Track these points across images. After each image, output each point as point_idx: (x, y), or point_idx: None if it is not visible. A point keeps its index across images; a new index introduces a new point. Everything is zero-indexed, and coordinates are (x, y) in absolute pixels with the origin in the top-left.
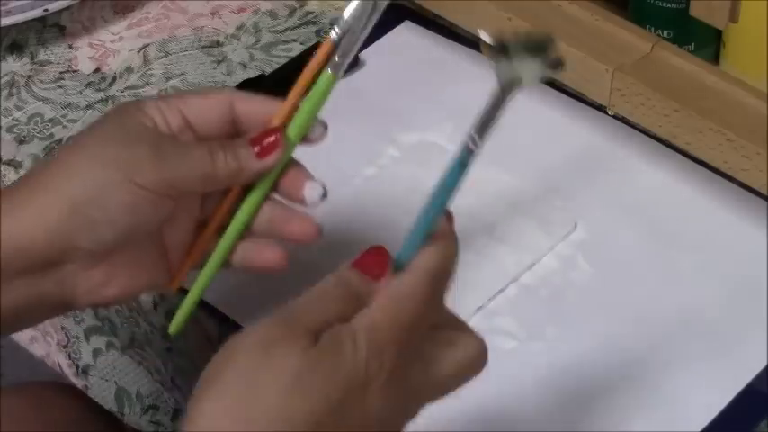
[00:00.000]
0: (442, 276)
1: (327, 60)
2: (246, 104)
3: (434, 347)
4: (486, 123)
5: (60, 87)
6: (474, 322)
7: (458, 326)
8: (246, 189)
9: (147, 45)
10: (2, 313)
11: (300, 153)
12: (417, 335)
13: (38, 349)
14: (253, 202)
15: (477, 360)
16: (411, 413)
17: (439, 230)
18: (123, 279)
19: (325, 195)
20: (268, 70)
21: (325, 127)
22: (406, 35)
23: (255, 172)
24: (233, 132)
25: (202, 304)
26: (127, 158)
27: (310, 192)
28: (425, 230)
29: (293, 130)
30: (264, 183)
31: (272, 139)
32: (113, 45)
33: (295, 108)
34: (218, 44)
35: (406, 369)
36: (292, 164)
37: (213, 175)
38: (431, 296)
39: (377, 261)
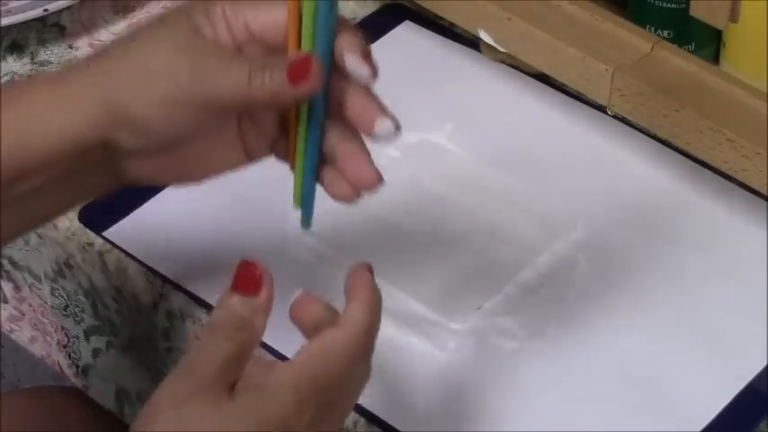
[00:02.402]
0: (373, 333)
1: None
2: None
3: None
4: None
5: None
6: (474, 322)
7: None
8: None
9: None
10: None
11: None
12: (339, 386)
13: (38, 349)
14: (303, 135)
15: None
16: None
17: (360, 282)
18: (182, 168)
19: (398, 130)
20: None
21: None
22: (406, 35)
23: (290, 98)
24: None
25: (202, 303)
26: (166, 71)
27: (381, 128)
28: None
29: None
30: (314, 114)
31: (303, 65)
32: None
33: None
34: None
35: (324, 413)
36: (364, 93)
37: (248, 99)
38: (363, 354)
39: (250, 277)
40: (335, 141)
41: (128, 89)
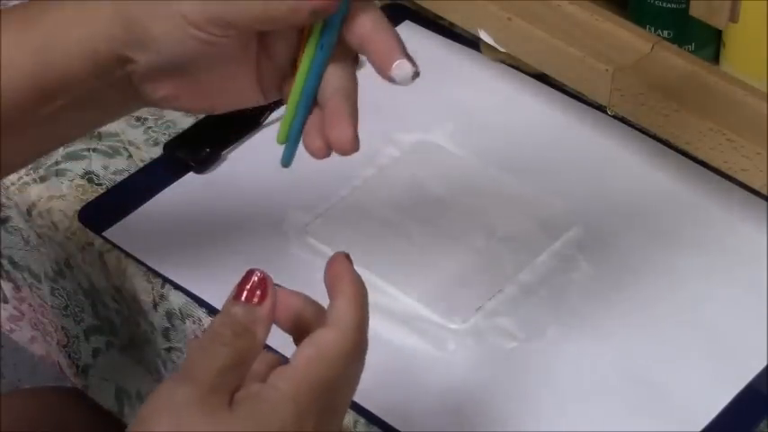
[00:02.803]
0: (364, 328)
1: None
2: None
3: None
4: None
5: None
6: (474, 322)
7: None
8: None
9: None
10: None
11: (301, 151)
12: (338, 389)
13: (38, 349)
14: (305, 69)
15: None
16: None
17: (342, 275)
18: (199, 95)
19: (417, 74)
20: None
21: None
22: (406, 35)
23: (308, 13)
24: None
25: (202, 303)
26: None
27: (398, 72)
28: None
29: None
30: (324, 38)
31: None
32: None
33: None
34: None
35: (326, 417)
36: (384, 35)
37: (265, 15)
38: (357, 352)
39: (255, 286)
40: (332, 90)
41: (145, 5)
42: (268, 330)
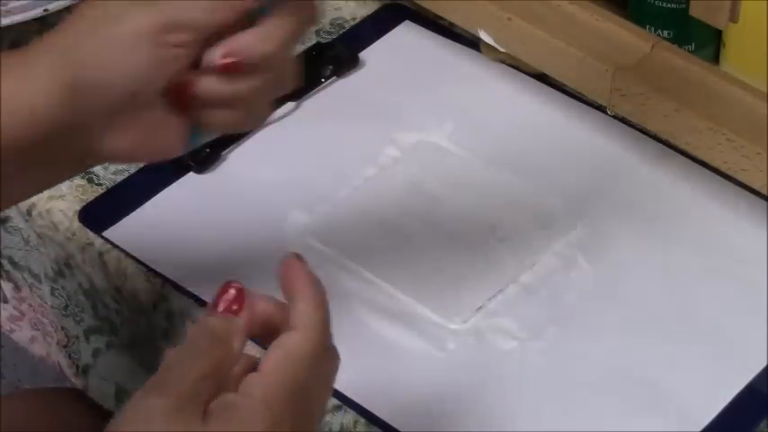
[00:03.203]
0: (327, 326)
1: None
2: None
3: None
4: None
5: None
6: (474, 322)
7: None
8: None
9: None
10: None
11: (301, 152)
12: (310, 388)
13: (38, 349)
14: None
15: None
16: None
17: (298, 277)
18: (154, 137)
19: (221, 68)
20: None
21: None
22: (405, 35)
23: None
24: None
25: (202, 303)
26: (127, 10)
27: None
28: None
29: None
30: None
31: None
32: None
33: None
34: None
35: (302, 417)
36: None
37: (218, 5)
38: (323, 350)
39: (232, 298)
40: None
41: (88, 43)
42: (245, 342)
